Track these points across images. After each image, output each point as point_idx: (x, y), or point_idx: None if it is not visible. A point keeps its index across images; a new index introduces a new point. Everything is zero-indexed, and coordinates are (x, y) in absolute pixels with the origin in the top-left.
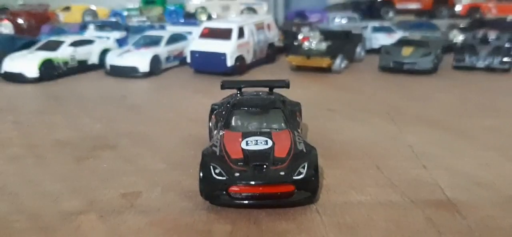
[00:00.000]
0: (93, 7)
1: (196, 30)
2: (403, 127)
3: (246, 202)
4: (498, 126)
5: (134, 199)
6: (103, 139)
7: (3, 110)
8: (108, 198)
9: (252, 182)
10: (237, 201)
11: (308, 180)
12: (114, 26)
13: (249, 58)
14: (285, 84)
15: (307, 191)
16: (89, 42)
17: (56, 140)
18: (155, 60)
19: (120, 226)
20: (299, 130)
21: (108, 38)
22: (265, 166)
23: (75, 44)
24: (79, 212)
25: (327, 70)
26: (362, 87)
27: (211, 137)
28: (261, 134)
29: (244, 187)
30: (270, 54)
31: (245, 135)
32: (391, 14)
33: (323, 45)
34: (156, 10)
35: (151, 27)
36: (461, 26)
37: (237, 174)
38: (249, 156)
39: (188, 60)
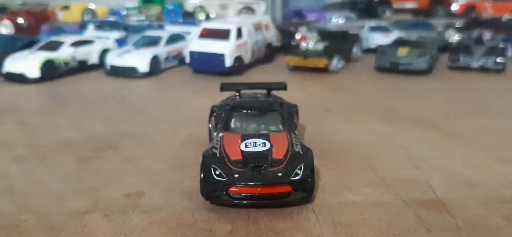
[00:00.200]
0: (92, 6)
1: (195, 30)
2: (398, 128)
3: (245, 202)
4: (490, 126)
5: (137, 199)
6: (105, 140)
7: (7, 111)
8: (112, 198)
9: (251, 183)
10: (237, 201)
11: (305, 181)
12: (113, 26)
13: (247, 58)
14: (283, 87)
15: (304, 192)
16: (89, 42)
17: (59, 140)
18: (155, 60)
19: (125, 225)
20: (296, 132)
21: (107, 38)
22: (263, 168)
23: (75, 44)
24: (85, 211)
25: (324, 70)
26: (358, 87)
27: (210, 138)
28: (260, 136)
29: (243, 188)
30: (268, 54)
31: (244, 137)
32: (388, 13)
33: (320, 46)
34: (155, 9)
35: (150, 27)
36: (457, 25)
37: (236, 175)
38: (248, 157)
39: (187, 60)
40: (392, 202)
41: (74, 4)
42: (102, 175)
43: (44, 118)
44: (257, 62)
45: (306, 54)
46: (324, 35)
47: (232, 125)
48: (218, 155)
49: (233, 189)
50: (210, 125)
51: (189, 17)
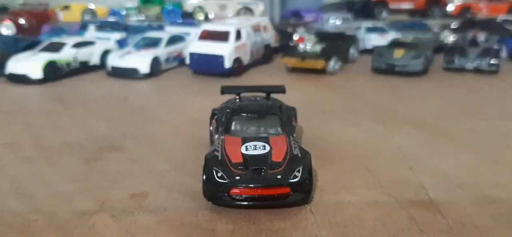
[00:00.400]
0: (92, 6)
1: (194, 31)
2: (393, 129)
3: (246, 203)
4: (482, 127)
5: (142, 199)
6: (109, 140)
7: (13, 112)
8: (118, 198)
9: (252, 185)
10: (238, 202)
11: (303, 183)
12: (114, 27)
13: (246, 60)
14: (282, 90)
15: (302, 193)
16: (90, 43)
17: (64, 141)
18: (155, 61)
19: (131, 225)
20: (294, 134)
21: (108, 39)
22: (263, 170)
23: (77, 45)
24: (92, 211)
25: (322, 71)
26: (355, 89)
27: (212, 140)
28: (260, 139)
29: (244, 190)
30: (267, 55)
31: (245, 140)
32: (385, 14)
33: (318, 47)
34: (154, 9)
35: (150, 27)
36: (452, 26)
37: (237, 178)
38: (248, 160)
39: (187, 61)
40: (387, 202)
41: (74, 4)
42: (108, 176)
43: (49, 119)
44: (255, 63)
45: (304, 55)
46: (322, 36)
47: (233, 127)
48: (219, 157)
49: (234, 190)
50: (211, 128)
51: (188, 17)
